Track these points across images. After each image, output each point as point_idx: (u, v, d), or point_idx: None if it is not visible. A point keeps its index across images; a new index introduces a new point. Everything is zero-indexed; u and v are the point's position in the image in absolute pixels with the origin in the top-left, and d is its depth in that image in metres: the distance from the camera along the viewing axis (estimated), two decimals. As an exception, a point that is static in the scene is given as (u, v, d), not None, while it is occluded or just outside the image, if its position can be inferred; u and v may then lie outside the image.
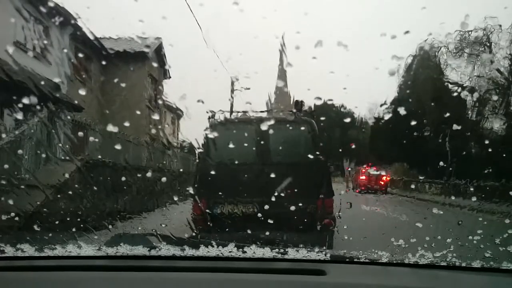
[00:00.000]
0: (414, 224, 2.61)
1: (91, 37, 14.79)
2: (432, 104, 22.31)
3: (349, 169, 32.84)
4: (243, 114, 5.99)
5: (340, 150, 30.67)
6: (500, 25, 23.87)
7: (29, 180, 8.00)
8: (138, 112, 16.96)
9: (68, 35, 14.70)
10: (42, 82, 10.83)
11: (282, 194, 4.14)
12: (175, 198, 12.35)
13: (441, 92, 24.03)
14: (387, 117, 27.58)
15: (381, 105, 29.04)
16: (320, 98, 2.74)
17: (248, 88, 24.75)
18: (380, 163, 28.31)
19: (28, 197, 7.00)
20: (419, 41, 25.95)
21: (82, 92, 15.95)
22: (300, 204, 4.61)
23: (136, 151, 14.37)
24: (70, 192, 8.42)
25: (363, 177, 27.76)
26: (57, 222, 5.05)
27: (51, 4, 11.99)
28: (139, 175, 12.32)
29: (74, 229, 2.97)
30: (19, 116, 9.05)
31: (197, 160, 6.42)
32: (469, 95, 26.15)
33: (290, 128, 5.80)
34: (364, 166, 28.54)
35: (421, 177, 24.91)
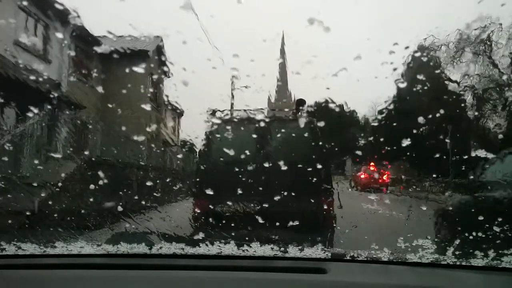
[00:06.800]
0: (413, 222, 2.61)
1: (92, 36, 14.81)
2: (433, 103, 22.28)
3: (350, 167, 32.83)
4: (244, 112, 5.99)
5: (341, 149, 30.64)
6: (501, 24, 23.87)
7: (30, 178, 8.01)
8: (139, 111, 16.95)
9: (68, 33, 14.69)
10: (43, 81, 10.83)
11: (283, 193, 4.13)
12: (176, 196, 12.37)
13: (442, 90, 24.01)
14: (388, 116, 27.56)
15: (384, 104, 29.02)
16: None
17: (249, 87, 24.71)
18: (381, 162, 28.25)
19: (29, 195, 7.02)
20: (419, 40, 25.96)
21: (82, 90, 15.98)
22: (301, 203, 4.61)
23: (136, 150, 14.38)
24: (71, 190, 8.42)
25: (364, 176, 27.71)
26: (57, 221, 5.06)
27: (51, 2, 12.01)
28: (139, 174, 12.33)
29: (74, 227, 2.97)
30: (20, 114, 9.07)
31: (198, 159, 6.42)
32: (469, 93, 26.16)
33: (291, 127, 5.80)
34: (365, 164, 28.48)
35: (422, 176, 24.88)
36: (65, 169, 8.67)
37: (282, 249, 1.78)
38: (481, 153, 3.55)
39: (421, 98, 22.56)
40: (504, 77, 24.56)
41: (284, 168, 4.28)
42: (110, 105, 14.25)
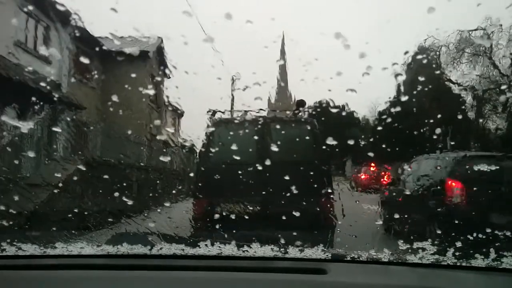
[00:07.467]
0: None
1: (93, 37, 14.82)
2: (433, 103, 22.30)
3: (350, 168, 32.81)
4: (244, 113, 5.99)
5: (341, 149, 30.58)
6: (501, 25, 23.91)
7: (30, 179, 8.02)
8: (139, 112, 16.98)
9: (69, 34, 14.71)
10: (43, 81, 10.83)
11: (283, 193, 4.13)
12: (176, 197, 12.38)
13: (442, 91, 24.02)
14: (388, 116, 27.58)
15: (384, 105, 29.05)
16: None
17: (249, 87, 24.65)
18: (381, 162, 28.20)
19: (29, 196, 7.02)
20: (420, 40, 26.04)
21: (83, 91, 15.99)
22: (301, 203, 4.61)
23: (137, 150, 14.38)
24: (71, 191, 8.42)
25: (364, 177, 27.67)
26: (58, 221, 5.06)
27: (52, 3, 12.02)
28: (140, 174, 12.33)
29: (75, 228, 2.97)
30: (21, 115, 9.08)
31: (198, 159, 6.42)
32: (470, 94, 26.19)
33: (291, 127, 5.80)
34: (365, 165, 28.45)
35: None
36: (65, 169, 8.67)
37: (282, 249, 1.77)
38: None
39: (422, 99, 22.57)
40: (504, 78, 24.58)
41: (284, 168, 4.28)
42: (110, 106, 14.25)
